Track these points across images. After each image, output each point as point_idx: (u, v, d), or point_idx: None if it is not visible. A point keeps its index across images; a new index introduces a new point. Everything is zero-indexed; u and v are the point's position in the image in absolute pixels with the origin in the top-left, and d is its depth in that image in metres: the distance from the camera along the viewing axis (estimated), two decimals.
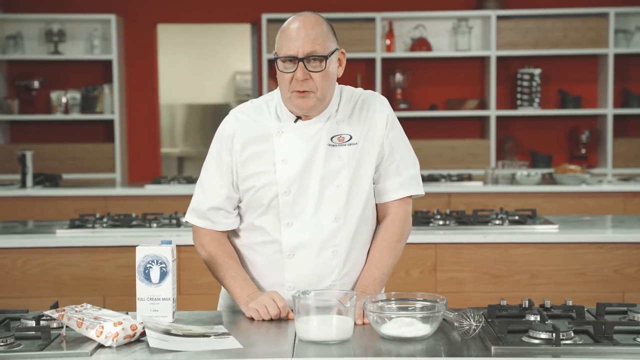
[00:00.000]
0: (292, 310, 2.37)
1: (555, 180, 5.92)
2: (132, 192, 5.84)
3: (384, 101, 2.58)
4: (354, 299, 2.22)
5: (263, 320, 2.41)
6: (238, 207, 2.58)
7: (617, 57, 7.27)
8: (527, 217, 4.25)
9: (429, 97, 7.54)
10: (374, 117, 2.53)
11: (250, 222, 2.55)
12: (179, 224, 4.21)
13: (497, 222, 4.18)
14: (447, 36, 7.45)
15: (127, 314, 2.37)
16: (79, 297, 3.73)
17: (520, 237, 4.02)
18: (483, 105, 7.47)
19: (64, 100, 7.42)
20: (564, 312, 2.40)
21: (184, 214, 4.27)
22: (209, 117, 10.07)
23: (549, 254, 3.98)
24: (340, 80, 2.57)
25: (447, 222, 4.17)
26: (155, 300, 2.37)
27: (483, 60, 7.50)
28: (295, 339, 2.21)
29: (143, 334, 2.20)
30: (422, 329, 2.17)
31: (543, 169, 6.78)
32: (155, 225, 4.19)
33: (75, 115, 7.41)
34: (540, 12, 7.26)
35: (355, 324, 2.26)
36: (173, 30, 9.39)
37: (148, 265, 2.37)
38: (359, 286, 2.51)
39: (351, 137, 2.51)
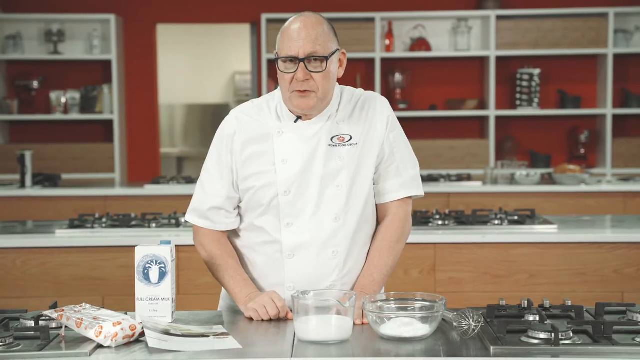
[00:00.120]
0: (291, 310, 2.37)
1: (554, 180, 5.92)
2: (132, 192, 5.84)
3: (385, 102, 2.58)
4: (353, 299, 2.22)
5: (262, 320, 2.41)
6: (238, 207, 2.58)
7: (617, 57, 7.28)
8: (527, 217, 4.25)
9: (429, 97, 7.54)
10: (375, 117, 2.53)
11: (251, 223, 2.56)
12: (178, 224, 4.21)
13: (497, 222, 4.18)
14: (446, 36, 7.45)
15: (126, 314, 2.37)
16: (79, 297, 3.73)
17: (520, 237, 4.02)
18: (482, 105, 7.47)
19: (63, 100, 7.42)
20: (563, 312, 2.41)
21: (184, 214, 4.28)
22: (209, 117, 10.07)
23: (549, 254, 3.98)
24: (340, 81, 2.57)
25: (447, 222, 4.17)
26: (155, 301, 2.37)
27: (482, 60, 7.50)
28: (294, 339, 2.21)
29: (142, 334, 2.20)
30: (421, 329, 2.17)
31: (542, 169, 6.79)
32: (154, 225, 4.19)
33: (75, 115, 7.41)
34: (539, 12, 7.26)
35: (354, 324, 2.26)
36: (172, 30, 9.39)
37: (147, 266, 2.37)
38: (358, 286, 2.52)
39: (351, 138, 2.51)
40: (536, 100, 7.34)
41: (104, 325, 2.15)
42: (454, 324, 2.22)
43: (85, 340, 2.17)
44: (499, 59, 7.32)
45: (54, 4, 7.46)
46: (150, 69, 7.76)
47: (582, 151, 7.44)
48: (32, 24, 7.44)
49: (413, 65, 7.50)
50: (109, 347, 2.14)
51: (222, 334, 2.26)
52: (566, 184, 5.81)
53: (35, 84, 7.45)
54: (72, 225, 4.19)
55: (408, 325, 2.17)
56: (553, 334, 2.08)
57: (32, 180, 5.88)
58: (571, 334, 2.14)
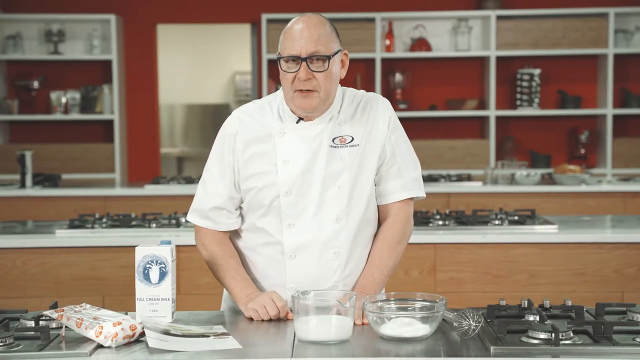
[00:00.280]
0: (291, 310, 2.38)
1: (554, 181, 5.92)
2: (132, 192, 5.84)
3: (387, 103, 2.58)
4: (353, 299, 2.22)
5: (262, 320, 2.41)
6: (240, 207, 2.58)
7: (617, 57, 7.27)
8: (527, 217, 4.25)
9: (429, 97, 7.54)
10: (376, 118, 2.54)
11: (252, 223, 2.56)
12: (178, 224, 4.21)
13: (497, 222, 4.19)
14: (446, 36, 7.45)
15: (126, 314, 2.37)
16: (79, 297, 3.74)
17: (520, 237, 4.02)
18: (483, 105, 7.47)
19: (63, 100, 7.42)
20: (563, 312, 2.41)
21: (184, 214, 4.30)
22: (209, 117, 10.07)
23: (549, 254, 3.98)
24: (340, 81, 2.57)
25: (447, 222, 4.17)
26: (155, 301, 2.37)
27: (483, 61, 7.50)
28: (294, 339, 2.21)
29: (142, 334, 2.20)
30: (422, 329, 2.17)
31: (542, 169, 6.78)
32: (154, 225, 4.19)
33: (75, 116, 7.41)
34: (539, 12, 7.26)
35: (354, 324, 2.26)
36: (173, 30, 9.39)
37: (147, 266, 2.37)
38: (359, 286, 2.52)
39: (353, 139, 2.52)
40: (536, 100, 7.34)
41: (104, 325, 2.15)
42: (454, 324, 2.22)
43: (86, 340, 2.17)
44: (499, 59, 7.32)
45: (54, 4, 7.47)
46: (150, 69, 7.76)
47: (582, 151, 7.44)
48: (32, 24, 7.44)
49: (413, 65, 7.50)
50: (109, 347, 2.14)
51: (222, 334, 2.26)
52: (566, 184, 5.81)
53: (36, 84, 7.45)
54: (72, 225, 4.19)
55: (408, 325, 2.17)
56: (553, 334, 2.08)
57: (32, 181, 5.88)
58: (571, 334, 2.14)
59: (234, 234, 2.63)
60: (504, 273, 4.00)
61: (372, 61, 7.32)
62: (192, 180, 6.05)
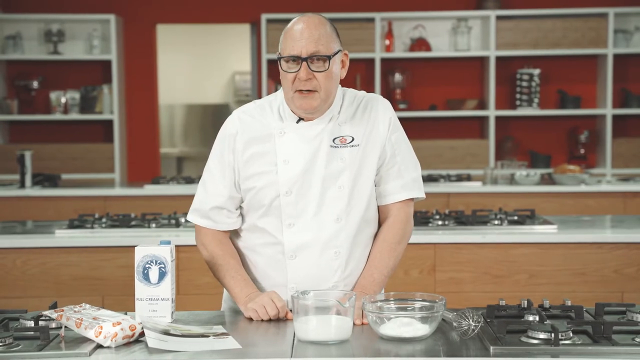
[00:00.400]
0: (290, 310, 2.38)
1: (554, 181, 5.92)
2: (131, 192, 5.84)
3: (387, 104, 2.59)
4: (352, 299, 2.22)
5: (262, 320, 2.41)
6: (240, 207, 2.58)
7: (617, 57, 7.28)
8: (526, 217, 4.25)
9: (429, 97, 7.54)
10: (377, 119, 2.54)
11: (253, 223, 2.56)
12: (178, 224, 4.21)
13: (496, 222, 4.18)
14: (446, 36, 7.45)
15: (126, 314, 2.37)
16: (78, 297, 3.73)
17: (520, 237, 4.02)
18: (482, 105, 7.47)
19: (63, 100, 7.42)
20: (563, 312, 2.41)
21: (184, 214, 4.30)
22: (208, 117, 10.07)
23: (548, 254, 3.98)
24: (340, 81, 2.57)
25: (446, 222, 4.17)
26: (154, 301, 2.37)
27: (482, 61, 7.50)
28: (294, 339, 2.21)
29: (142, 334, 2.20)
30: (421, 329, 2.17)
31: (542, 169, 6.78)
32: (154, 225, 4.19)
33: (75, 116, 7.41)
34: (539, 12, 7.26)
35: (354, 324, 2.26)
36: (172, 30, 9.39)
37: (147, 266, 2.37)
38: (358, 286, 2.52)
39: (353, 139, 2.52)
40: (536, 100, 7.34)
41: (103, 325, 2.15)
42: (454, 324, 2.22)
43: (85, 340, 2.17)
44: (499, 59, 7.32)
45: (54, 4, 7.46)
46: (150, 69, 7.76)
47: (582, 151, 7.44)
48: (32, 24, 7.44)
49: (413, 65, 7.50)
50: (108, 347, 2.14)
51: (222, 334, 2.26)
52: (566, 184, 5.81)
53: (35, 84, 7.45)
54: (72, 225, 4.19)
55: (408, 326, 2.17)
56: (553, 334, 2.08)
57: (32, 181, 5.88)
58: (571, 334, 2.14)
59: (234, 234, 2.63)
60: (504, 273, 4.00)
61: (371, 61, 7.32)
62: (192, 180, 6.05)
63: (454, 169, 7.11)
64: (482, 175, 6.13)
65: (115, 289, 3.99)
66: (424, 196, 2.62)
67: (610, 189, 5.75)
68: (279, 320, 2.41)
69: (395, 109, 2.83)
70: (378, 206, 2.59)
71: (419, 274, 4.01)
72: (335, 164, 2.50)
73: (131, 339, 2.19)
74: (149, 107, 7.77)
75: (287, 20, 2.53)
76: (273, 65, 7.17)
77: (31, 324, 2.28)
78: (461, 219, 4.23)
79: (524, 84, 7.33)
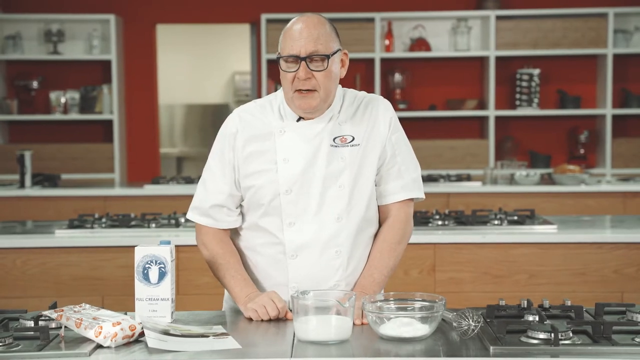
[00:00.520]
0: (290, 310, 2.38)
1: (554, 181, 5.92)
2: (131, 192, 5.84)
3: (388, 104, 2.59)
4: (352, 299, 2.22)
5: (262, 320, 2.41)
6: (241, 206, 2.59)
7: (617, 57, 7.28)
8: (526, 217, 4.25)
9: (429, 97, 7.54)
10: (377, 119, 2.54)
11: (254, 223, 2.56)
12: (177, 224, 4.21)
13: (496, 222, 4.18)
14: (446, 36, 7.45)
15: (125, 314, 2.37)
16: (78, 297, 3.73)
17: (519, 237, 4.02)
18: (482, 105, 7.47)
19: (63, 100, 7.42)
20: (563, 312, 2.41)
21: (183, 214, 4.29)
22: (208, 117, 10.07)
23: (548, 254, 3.98)
24: (340, 81, 2.57)
25: (446, 222, 4.17)
26: (154, 301, 2.37)
27: (482, 61, 7.50)
28: (294, 339, 2.21)
29: (142, 334, 2.20)
30: (421, 329, 2.17)
31: (542, 169, 6.78)
32: (154, 225, 4.19)
33: (74, 116, 7.40)
34: (539, 12, 7.26)
35: (354, 324, 2.26)
36: (172, 30, 9.39)
37: (147, 266, 2.37)
38: (358, 286, 2.52)
39: (354, 138, 2.52)
40: (536, 100, 7.34)
41: (103, 325, 2.15)
42: (454, 324, 2.22)
43: (85, 340, 2.17)
44: (499, 59, 7.32)
45: (54, 4, 7.46)
46: (150, 69, 7.76)
47: (582, 151, 7.44)
48: (32, 24, 7.44)
49: (413, 65, 7.50)
50: (108, 347, 2.14)
51: (222, 334, 2.26)
52: (566, 184, 5.81)
53: (35, 84, 7.45)
54: (71, 225, 4.19)
55: (408, 326, 2.17)
56: (553, 334, 2.08)
57: (32, 181, 5.88)
58: (571, 334, 2.14)
59: (235, 234, 2.63)
60: (504, 273, 4.00)
61: (371, 61, 7.32)
62: (192, 180, 6.05)
63: (454, 169, 7.11)
64: (482, 175, 6.13)
65: (115, 289, 3.99)
66: (424, 197, 2.63)
67: (610, 189, 5.75)
68: (279, 320, 2.41)
69: (395, 109, 2.82)
70: (378, 206, 2.59)
71: (418, 274, 4.01)
72: (336, 163, 2.50)
73: (131, 339, 2.19)
74: (148, 107, 7.77)
75: (287, 20, 2.54)
76: (273, 65, 7.17)
77: (31, 324, 2.28)
78: (461, 219, 4.23)
79: (524, 84, 7.33)
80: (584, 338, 2.16)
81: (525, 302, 2.41)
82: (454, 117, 7.48)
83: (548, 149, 7.54)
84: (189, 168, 9.92)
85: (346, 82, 2.61)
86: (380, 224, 2.60)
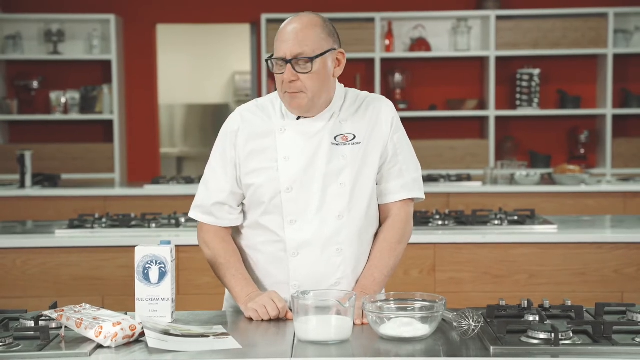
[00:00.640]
0: (291, 310, 2.38)
1: (554, 181, 5.92)
2: (131, 192, 5.84)
3: (390, 104, 2.60)
4: (352, 299, 2.22)
5: (262, 320, 2.41)
6: (242, 204, 2.59)
7: (617, 57, 7.28)
8: (526, 217, 4.25)
9: (429, 97, 7.54)
10: (379, 118, 2.55)
11: (255, 221, 2.56)
12: (178, 224, 4.21)
13: (496, 222, 4.18)
14: (446, 36, 7.45)
15: (126, 314, 2.37)
16: (78, 297, 3.73)
17: (520, 237, 4.02)
18: (482, 105, 7.47)
19: (63, 100, 7.42)
20: (563, 312, 2.40)
21: (184, 214, 4.30)
22: (209, 117, 10.07)
23: (548, 254, 3.98)
24: (339, 80, 2.57)
25: (446, 222, 4.17)
26: (154, 301, 2.37)
27: (482, 61, 7.50)
28: (294, 339, 2.21)
29: (142, 334, 2.20)
30: (421, 329, 2.17)
31: (542, 169, 6.78)
32: (154, 225, 4.19)
33: (75, 116, 7.41)
34: (539, 12, 7.26)
35: (354, 324, 2.26)
36: (172, 30, 9.39)
37: (147, 266, 2.37)
38: (359, 286, 2.52)
39: (355, 137, 2.52)
40: (536, 100, 7.34)
41: (103, 325, 2.15)
42: (454, 324, 2.22)
43: (85, 340, 2.17)
44: (499, 59, 7.32)
45: (54, 4, 7.46)
46: (150, 69, 7.76)
47: (582, 151, 7.44)
48: (32, 24, 7.44)
49: (413, 65, 7.50)
50: (108, 347, 2.14)
51: (222, 334, 2.26)
52: (566, 184, 5.81)
53: (35, 84, 7.45)
54: (72, 226, 4.19)
55: (408, 326, 2.17)
56: (553, 334, 2.08)
57: (32, 181, 5.88)
58: (571, 334, 2.14)
59: (236, 233, 2.63)
60: (504, 273, 4.00)
61: (371, 61, 7.32)
62: (192, 180, 6.05)
63: (454, 169, 7.11)
64: (482, 175, 6.13)
65: (115, 289, 3.99)
66: (424, 197, 2.63)
67: (610, 189, 5.75)
68: (279, 320, 2.41)
69: (396, 109, 2.82)
70: (378, 205, 2.59)
71: (419, 274, 4.01)
72: (337, 161, 2.50)
73: (131, 339, 2.19)
74: (149, 107, 7.77)
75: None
76: None
77: (31, 324, 2.28)
78: (461, 219, 4.23)
79: (524, 84, 7.33)
80: (584, 338, 2.16)
81: (526, 302, 2.41)
82: (454, 117, 7.48)
83: (548, 149, 7.54)
84: (189, 168, 9.93)
85: (346, 82, 2.61)
86: (380, 224, 2.61)
